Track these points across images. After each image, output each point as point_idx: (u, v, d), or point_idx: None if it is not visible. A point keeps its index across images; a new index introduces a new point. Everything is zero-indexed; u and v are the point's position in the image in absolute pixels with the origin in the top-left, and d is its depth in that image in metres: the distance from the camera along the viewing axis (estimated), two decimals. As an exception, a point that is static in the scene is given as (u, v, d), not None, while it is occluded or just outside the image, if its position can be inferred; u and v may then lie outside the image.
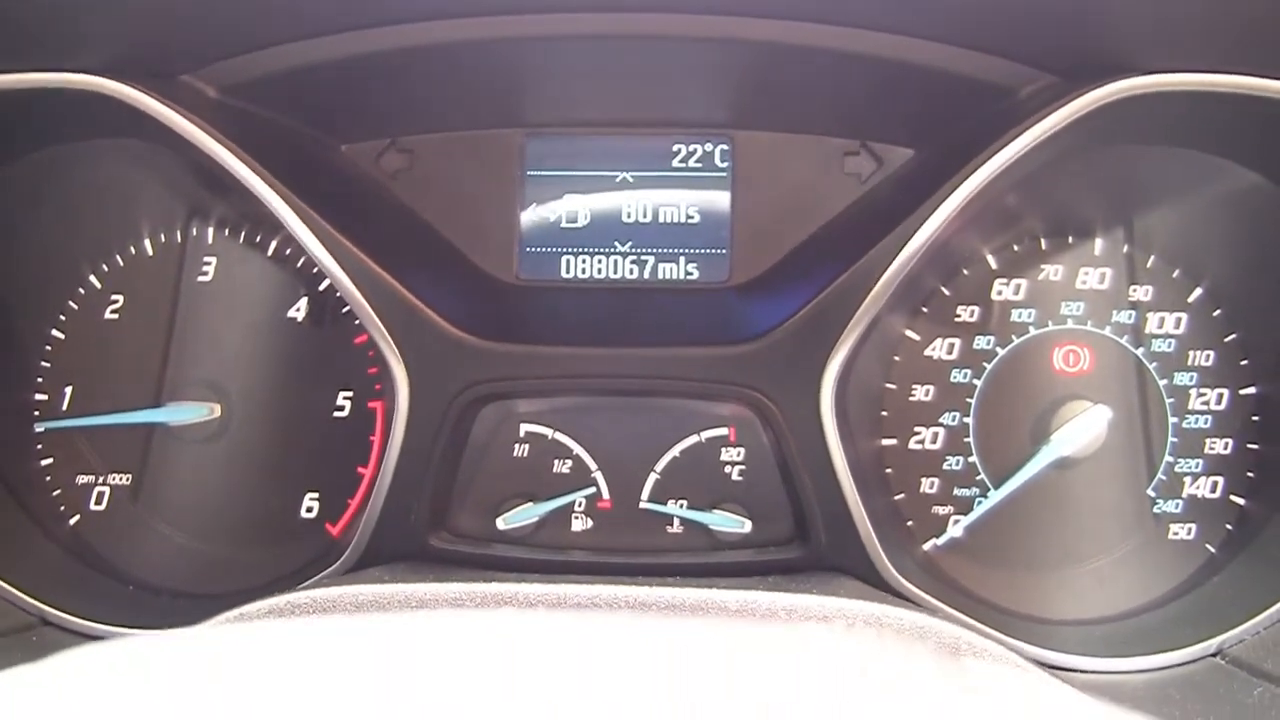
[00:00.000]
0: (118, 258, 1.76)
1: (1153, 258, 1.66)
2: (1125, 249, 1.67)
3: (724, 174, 1.74)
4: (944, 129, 1.60)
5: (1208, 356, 1.65)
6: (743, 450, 1.61)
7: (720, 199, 1.74)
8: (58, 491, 1.77)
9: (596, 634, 0.78)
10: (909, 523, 1.68)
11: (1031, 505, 1.65)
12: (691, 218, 1.74)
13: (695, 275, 1.74)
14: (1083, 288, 1.67)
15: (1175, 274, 1.66)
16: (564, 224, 1.76)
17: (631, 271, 1.75)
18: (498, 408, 1.61)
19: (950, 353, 1.68)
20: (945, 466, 1.68)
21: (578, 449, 1.62)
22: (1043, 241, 1.67)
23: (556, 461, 1.62)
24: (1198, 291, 1.65)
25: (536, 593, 1.29)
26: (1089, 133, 1.45)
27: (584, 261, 1.76)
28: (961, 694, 0.71)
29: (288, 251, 1.73)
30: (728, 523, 1.60)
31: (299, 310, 1.74)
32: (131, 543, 1.75)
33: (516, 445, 1.63)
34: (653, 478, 1.62)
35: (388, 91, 1.63)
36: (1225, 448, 1.65)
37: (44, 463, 1.77)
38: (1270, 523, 1.60)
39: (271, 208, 1.52)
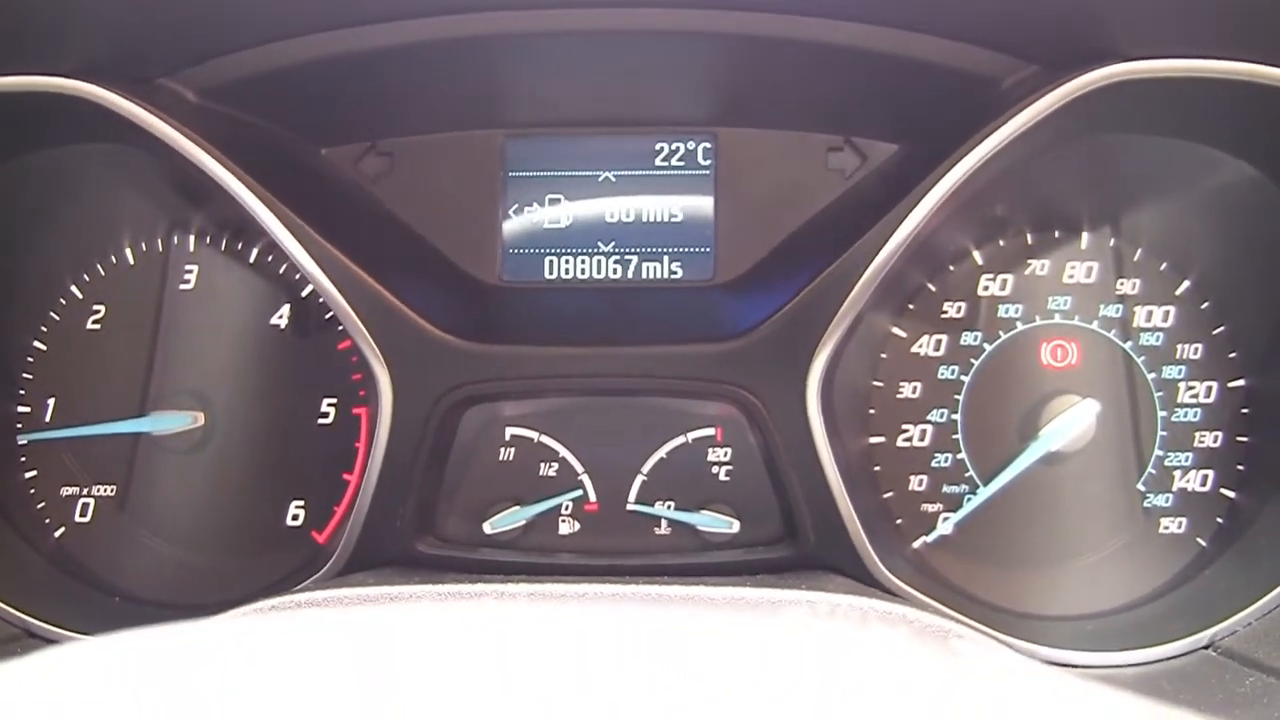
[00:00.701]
0: (99, 267, 1.75)
1: (1140, 250, 1.66)
2: (1112, 242, 1.66)
3: (707, 172, 1.73)
4: (927, 122, 1.59)
5: (1196, 349, 1.64)
6: (730, 450, 1.60)
7: (704, 197, 1.73)
8: (42, 504, 1.76)
9: (572, 615, 0.77)
10: (898, 520, 1.67)
11: (1021, 501, 1.64)
12: (675, 216, 1.74)
13: (679, 274, 1.74)
14: (1070, 282, 1.66)
15: (1163, 267, 1.65)
16: (547, 225, 1.75)
17: (615, 271, 1.74)
18: (483, 411, 1.60)
19: (937, 349, 1.67)
20: (934, 463, 1.67)
21: (564, 452, 1.61)
22: (1029, 236, 1.67)
23: (543, 464, 1.62)
24: (1185, 284, 1.65)
25: (523, 593, 1.29)
26: (1073, 122, 1.44)
27: (567, 262, 1.75)
28: (949, 672, 0.70)
29: (270, 259, 1.72)
30: (716, 523, 1.59)
31: (282, 317, 1.73)
32: (117, 554, 1.74)
33: (502, 448, 1.62)
34: (640, 479, 1.61)
35: (367, 93, 1.62)
36: (1215, 441, 1.64)
37: (28, 475, 1.76)
38: (1260, 515, 1.59)
39: (253, 212, 1.51)
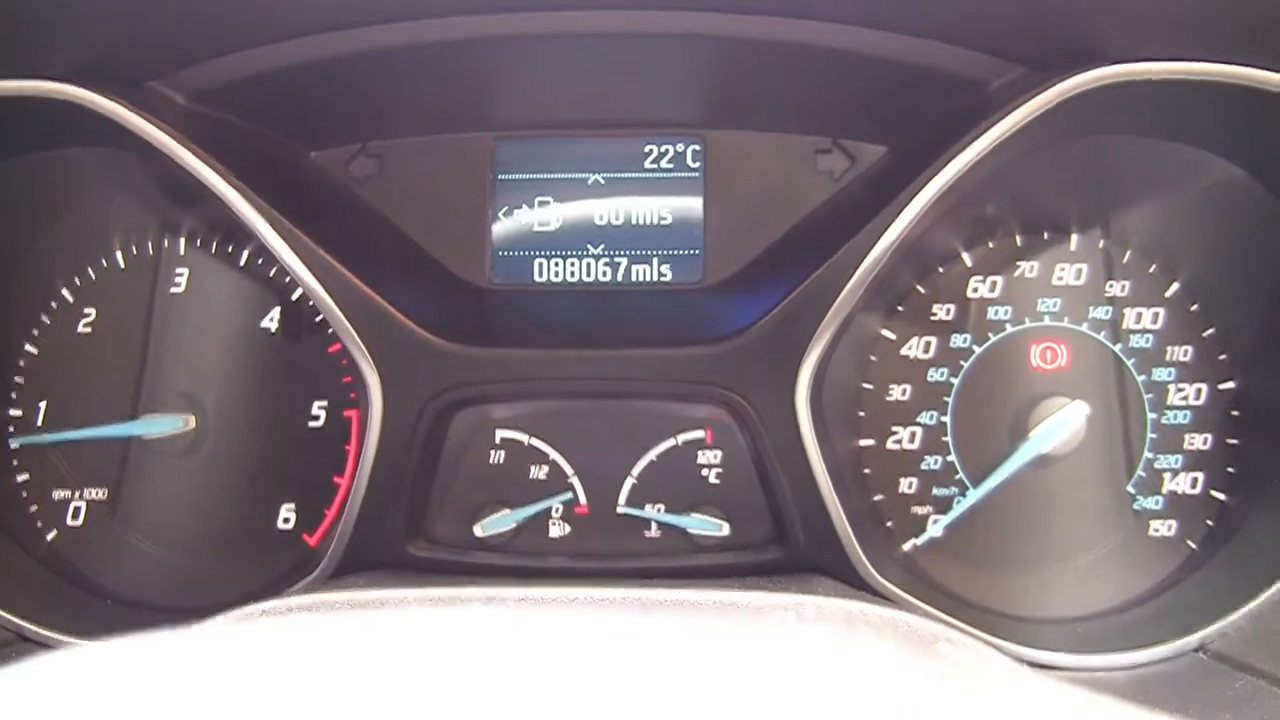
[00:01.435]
0: (89, 270, 1.76)
1: (1129, 252, 1.65)
2: (1102, 244, 1.66)
3: (696, 174, 1.73)
4: (916, 124, 1.59)
5: (1186, 351, 1.64)
6: (720, 453, 1.60)
7: (693, 200, 1.73)
8: (34, 507, 1.76)
9: (557, 623, 0.77)
10: (888, 523, 1.67)
11: (1011, 504, 1.64)
12: (664, 219, 1.74)
13: (669, 276, 1.73)
14: (1059, 284, 1.66)
15: (1152, 268, 1.65)
16: (536, 227, 1.75)
17: (605, 274, 1.74)
18: (473, 413, 1.60)
19: (927, 351, 1.67)
20: (924, 466, 1.67)
21: (554, 454, 1.61)
22: (1018, 238, 1.67)
23: (533, 467, 1.61)
24: (1175, 286, 1.65)
25: (514, 596, 1.29)
26: (1062, 124, 1.44)
27: (556, 264, 1.75)
28: (937, 675, 0.70)
29: (260, 261, 1.72)
30: (706, 526, 1.59)
31: (272, 320, 1.73)
32: (109, 557, 1.74)
33: (492, 451, 1.61)
34: (630, 482, 1.61)
35: (356, 96, 1.62)
36: (1205, 443, 1.64)
37: (20, 479, 1.76)
38: (1250, 518, 1.59)
39: (243, 216, 1.51)
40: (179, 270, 1.74)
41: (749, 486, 1.59)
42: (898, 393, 1.67)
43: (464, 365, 1.54)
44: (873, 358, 1.67)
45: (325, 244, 1.52)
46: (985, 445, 1.65)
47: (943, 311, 1.67)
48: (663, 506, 1.60)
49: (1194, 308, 1.64)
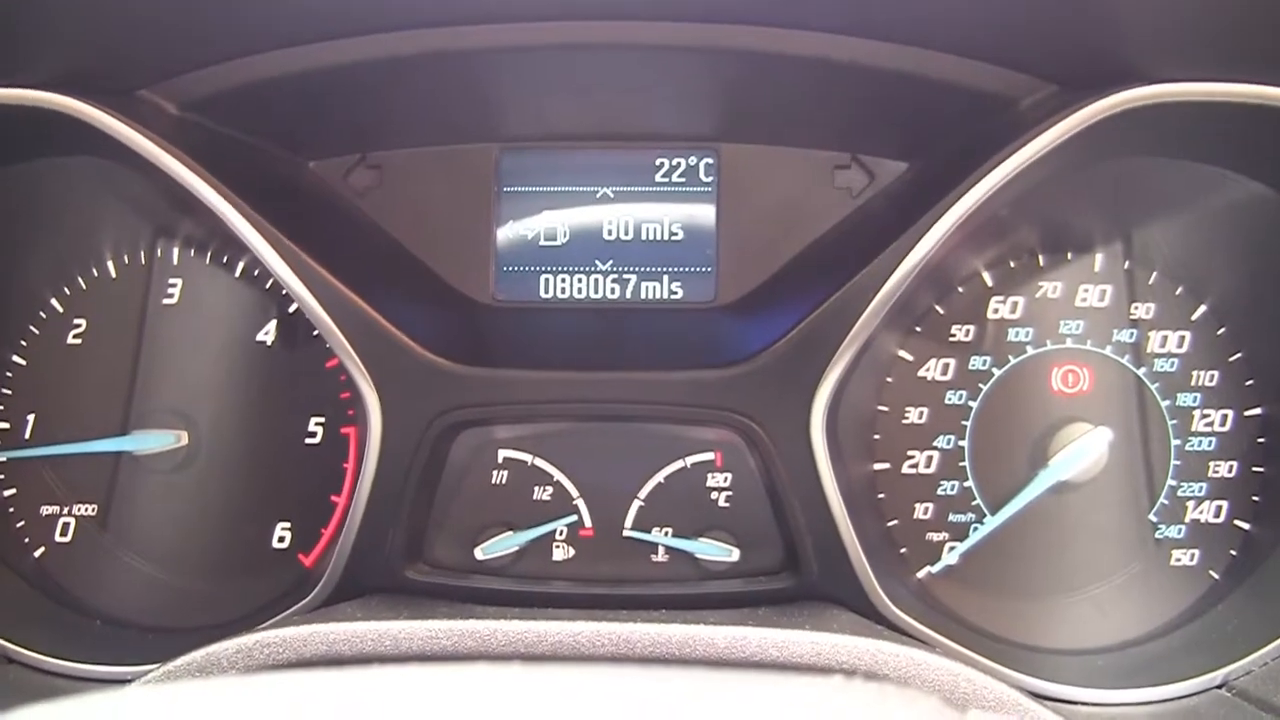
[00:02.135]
0: (79, 280, 1.71)
1: (1155, 274, 1.62)
2: (1126, 265, 1.62)
3: (709, 188, 1.69)
4: (940, 141, 1.56)
5: (1212, 376, 1.61)
6: (730, 476, 1.56)
7: (705, 215, 1.70)
8: (21, 523, 1.72)
9: (577, 693, 0.74)
10: (902, 550, 1.64)
11: (1030, 531, 1.61)
12: (675, 234, 1.70)
13: (680, 294, 1.70)
14: (1082, 305, 1.62)
15: (1178, 291, 1.61)
16: (542, 242, 1.71)
17: (613, 291, 1.71)
18: (475, 433, 1.56)
19: (945, 373, 1.63)
20: (940, 491, 1.63)
21: (558, 475, 1.57)
22: (1040, 258, 1.63)
23: (537, 488, 1.57)
24: (1201, 309, 1.61)
25: (515, 631, 1.25)
26: (1095, 145, 1.40)
27: (563, 281, 1.71)
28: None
29: (256, 272, 1.68)
30: (714, 551, 1.55)
31: (268, 333, 1.69)
32: (99, 576, 1.70)
33: (495, 472, 1.57)
34: (636, 505, 1.57)
35: (355, 106, 1.59)
36: (1230, 471, 1.61)
37: (6, 493, 1.72)
38: (1276, 548, 1.56)
39: (236, 229, 1.47)
40: (172, 280, 1.70)
41: (760, 511, 1.55)
42: (914, 415, 1.63)
43: (466, 386, 1.50)
44: (889, 379, 1.63)
45: (322, 258, 1.49)
46: (1004, 471, 1.61)
47: (962, 332, 1.63)
48: (670, 530, 1.57)
49: (1221, 331, 1.60)
